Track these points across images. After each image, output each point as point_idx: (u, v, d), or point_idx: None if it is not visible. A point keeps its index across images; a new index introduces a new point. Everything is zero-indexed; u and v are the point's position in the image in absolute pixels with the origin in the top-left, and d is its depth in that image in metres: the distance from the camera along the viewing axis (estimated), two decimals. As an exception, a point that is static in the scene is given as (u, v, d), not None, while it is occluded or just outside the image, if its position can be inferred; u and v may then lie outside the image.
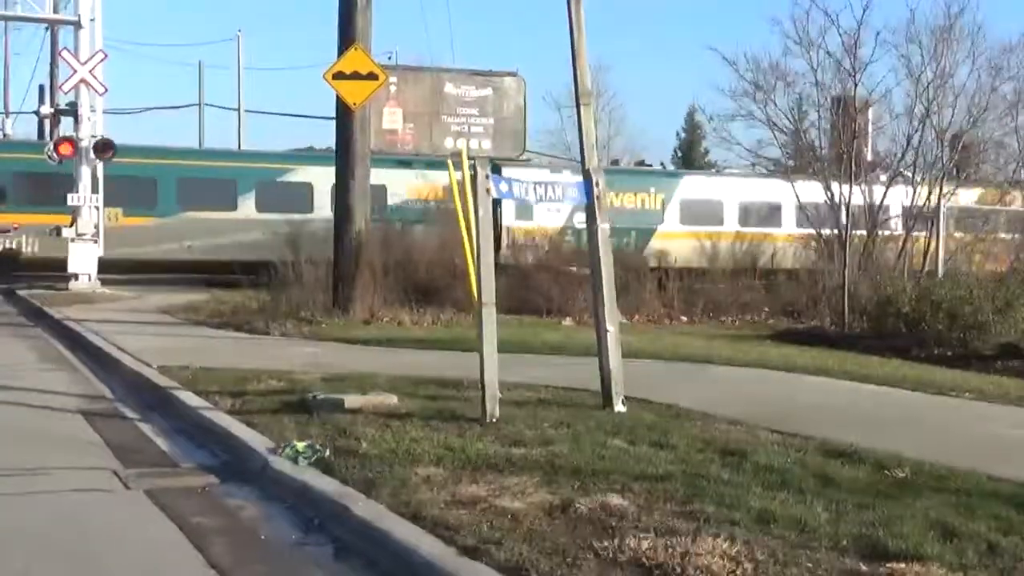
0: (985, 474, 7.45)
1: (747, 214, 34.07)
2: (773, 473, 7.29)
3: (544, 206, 30.73)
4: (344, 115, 18.57)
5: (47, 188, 28.34)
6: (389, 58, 39.20)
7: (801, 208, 28.55)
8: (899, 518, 6.19)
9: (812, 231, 27.71)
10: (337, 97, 18.03)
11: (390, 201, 31.66)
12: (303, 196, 30.95)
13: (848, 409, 10.75)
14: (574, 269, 30.33)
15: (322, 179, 30.55)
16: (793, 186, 27.67)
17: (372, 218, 29.68)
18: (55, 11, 29.60)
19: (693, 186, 34.94)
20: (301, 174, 31.72)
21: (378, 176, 31.41)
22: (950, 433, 9.64)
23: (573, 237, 29.85)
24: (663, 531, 5.83)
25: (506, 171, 22.67)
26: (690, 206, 33.85)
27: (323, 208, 30.31)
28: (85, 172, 26.57)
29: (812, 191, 26.85)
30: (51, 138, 30.16)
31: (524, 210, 30.62)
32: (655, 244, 31.87)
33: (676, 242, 31.87)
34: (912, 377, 13.46)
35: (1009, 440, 9.44)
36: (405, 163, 32.75)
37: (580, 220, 30.33)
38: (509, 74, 29.08)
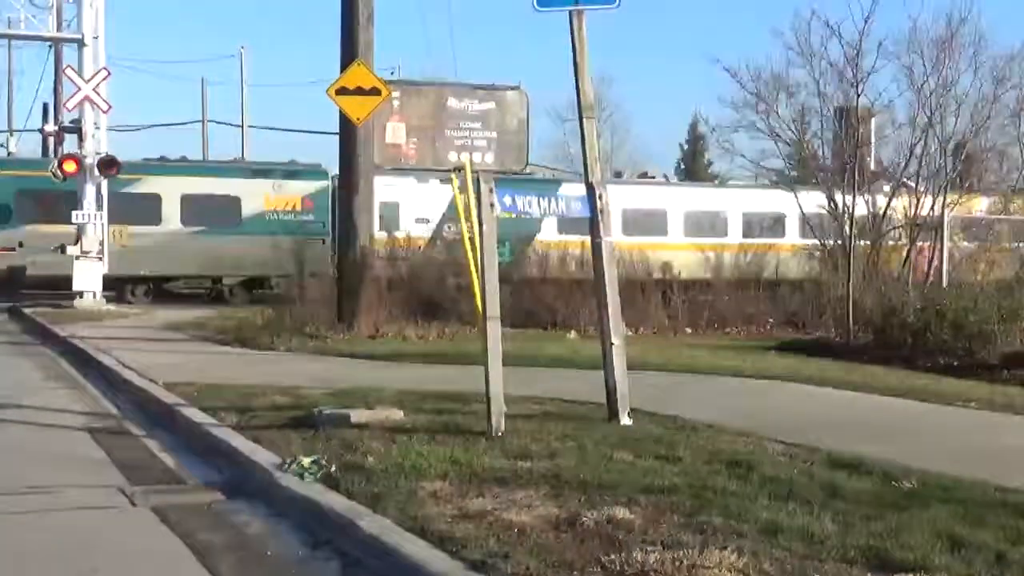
0: (993, 484, 7.43)
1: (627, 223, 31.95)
2: (780, 484, 7.27)
3: (412, 215, 30.55)
4: (347, 130, 18.60)
5: (53, 205, 28.28)
6: (392, 73, 39.37)
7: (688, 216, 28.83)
8: (907, 529, 6.18)
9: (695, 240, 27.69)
10: (340, 112, 18.07)
11: (245, 213, 31.19)
12: (151, 207, 30.30)
13: (854, 420, 10.73)
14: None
15: (170, 190, 30.78)
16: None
17: (224, 231, 29.69)
18: (59, 29, 29.70)
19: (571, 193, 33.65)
20: (149, 185, 30.76)
21: (231, 187, 31.30)
22: (957, 443, 9.62)
23: (443, 247, 29.08)
24: (670, 544, 5.82)
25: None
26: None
27: (171, 220, 30.48)
28: (90, 190, 26.64)
29: (632, 196, 29.36)
30: (55, 156, 30.25)
31: (390, 220, 29.72)
32: (534, 254, 29.94)
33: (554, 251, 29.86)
34: (918, 387, 13.43)
35: (1017, 450, 9.41)
36: (262, 172, 32.52)
37: (448, 230, 29.68)
38: (511, 88, 29.05)
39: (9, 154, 49.22)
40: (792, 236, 32.74)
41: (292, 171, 32.58)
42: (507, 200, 9.51)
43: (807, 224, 28.98)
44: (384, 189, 29.59)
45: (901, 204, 27.40)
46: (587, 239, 9.99)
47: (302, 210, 31.54)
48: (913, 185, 27.81)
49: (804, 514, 6.48)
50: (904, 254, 26.46)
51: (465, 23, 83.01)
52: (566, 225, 31.22)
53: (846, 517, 6.43)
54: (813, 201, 27.81)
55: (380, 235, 28.71)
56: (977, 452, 9.07)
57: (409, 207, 30.91)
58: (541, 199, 10.23)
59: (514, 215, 9.53)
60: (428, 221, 30.71)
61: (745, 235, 34.01)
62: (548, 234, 31.31)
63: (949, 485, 7.39)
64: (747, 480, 7.41)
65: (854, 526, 6.26)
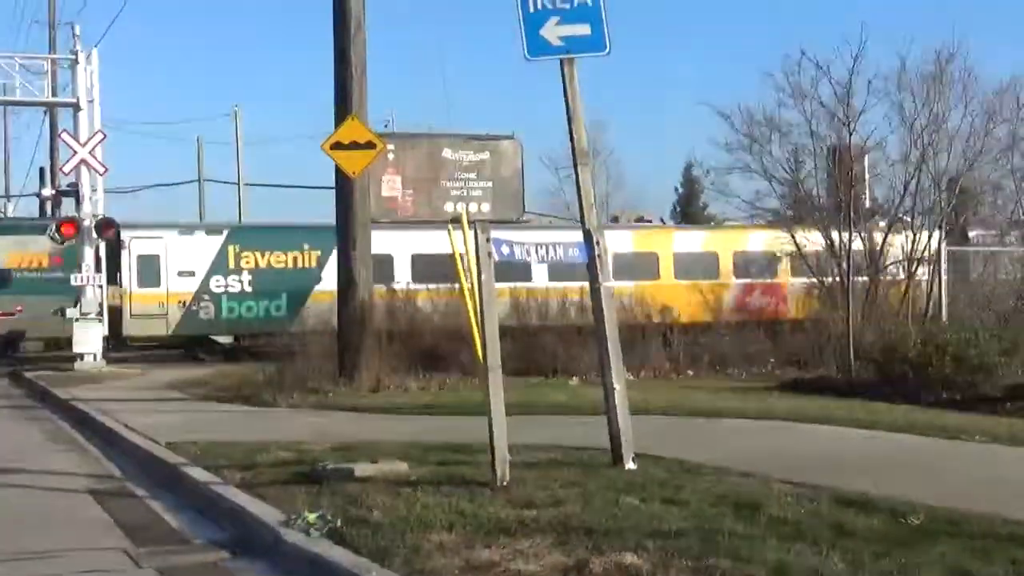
0: (1000, 517, 7.41)
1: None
2: (787, 525, 7.25)
3: (176, 268, 29.16)
4: (344, 184, 18.69)
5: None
6: (386, 125, 39.54)
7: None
8: (916, 565, 6.16)
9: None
10: (336, 167, 18.14)
11: None
12: None
13: (859, 457, 10.71)
14: (222, 339, 29.14)
15: None
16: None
17: None
18: (54, 94, 29.92)
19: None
20: None
21: None
22: (963, 477, 9.59)
23: (211, 303, 28.77)
24: (679, 588, 5.79)
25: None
26: None
27: None
28: (88, 252, 26.70)
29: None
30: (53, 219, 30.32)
31: (150, 274, 28.91)
32: (313, 307, 27.92)
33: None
34: (921, 422, 13.41)
35: (1022, 482, 9.39)
36: (10, 229, 31.12)
37: (218, 284, 29.17)
38: (506, 137, 29.10)
39: (4, 218, 49.43)
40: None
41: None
42: (505, 249, 9.55)
43: (804, 263, 29.01)
44: (142, 243, 29.14)
45: (898, 240, 27.48)
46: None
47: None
48: (909, 220, 27.90)
49: (813, 554, 6.46)
50: (903, 289, 26.48)
51: (458, 73, 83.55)
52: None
53: (855, 556, 6.40)
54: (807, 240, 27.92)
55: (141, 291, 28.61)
56: (983, 485, 9.05)
57: (173, 260, 29.43)
58: (539, 248, 10.26)
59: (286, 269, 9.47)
60: (193, 274, 29.34)
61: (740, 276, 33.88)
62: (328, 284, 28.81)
63: (957, 520, 7.37)
64: (754, 521, 7.39)
65: (864, 564, 6.24)
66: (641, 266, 31.92)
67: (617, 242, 30.92)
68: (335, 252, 29.53)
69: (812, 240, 27.62)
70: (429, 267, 29.30)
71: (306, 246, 30.34)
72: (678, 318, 28.79)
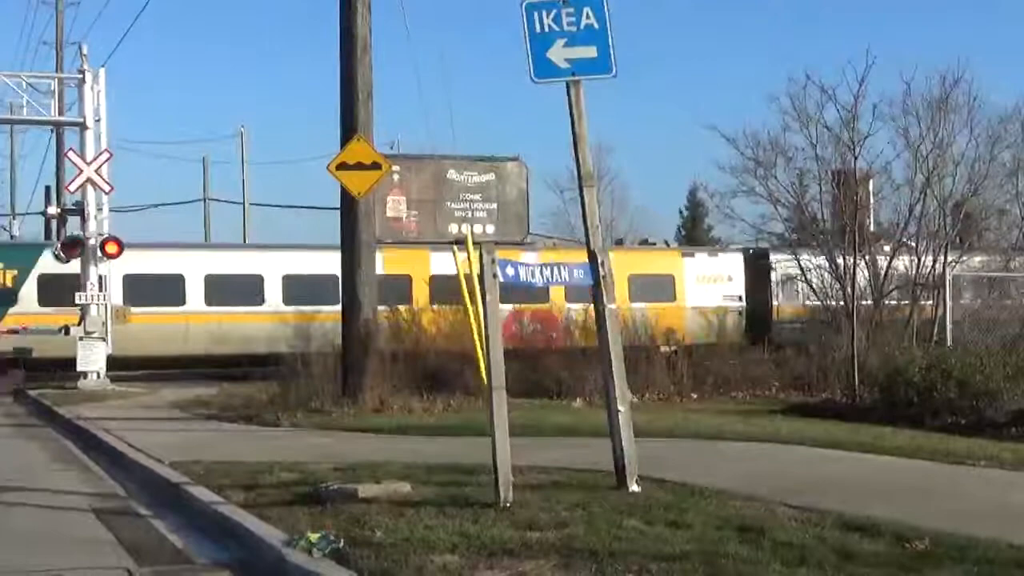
0: (1006, 542, 7.38)
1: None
2: (792, 549, 7.23)
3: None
4: (349, 205, 18.73)
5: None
6: (391, 147, 39.64)
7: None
8: (921, 591, 6.13)
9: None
10: (341, 188, 18.19)
11: None
12: None
13: (864, 481, 10.68)
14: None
15: None
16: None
17: None
18: (60, 113, 29.97)
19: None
20: None
21: None
22: (968, 502, 9.56)
23: None
24: (683, 612, 5.77)
25: None
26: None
27: None
28: (92, 271, 26.73)
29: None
30: (58, 238, 30.39)
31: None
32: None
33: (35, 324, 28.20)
34: (926, 447, 13.37)
35: (1028, 507, 9.36)
36: None
37: None
38: (511, 159, 29.16)
39: (12, 237, 49.62)
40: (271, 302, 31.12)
41: None
42: (510, 271, 9.56)
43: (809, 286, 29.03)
44: None
45: (902, 264, 27.50)
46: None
47: None
48: (913, 245, 27.91)
49: (817, 578, 6.44)
50: (908, 313, 26.48)
51: (463, 94, 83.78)
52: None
53: (860, 581, 6.38)
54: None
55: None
56: (988, 510, 9.02)
57: None
58: (544, 269, 10.26)
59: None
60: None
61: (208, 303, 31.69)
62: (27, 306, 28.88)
63: (962, 545, 7.34)
64: (759, 545, 7.36)
65: (868, 589, 6.21)
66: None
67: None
68: (34, 271, 29.48)
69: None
70: (301, 288, 29.99)
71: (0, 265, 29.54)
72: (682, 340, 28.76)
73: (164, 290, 30.19)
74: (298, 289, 30.64)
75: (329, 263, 23.52)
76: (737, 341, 29.05)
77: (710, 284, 33.57)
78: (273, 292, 30.96)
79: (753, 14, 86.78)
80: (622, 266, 30.72)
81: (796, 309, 33.09)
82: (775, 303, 33.90)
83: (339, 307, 19.87)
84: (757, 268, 34.61)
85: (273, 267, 31.11)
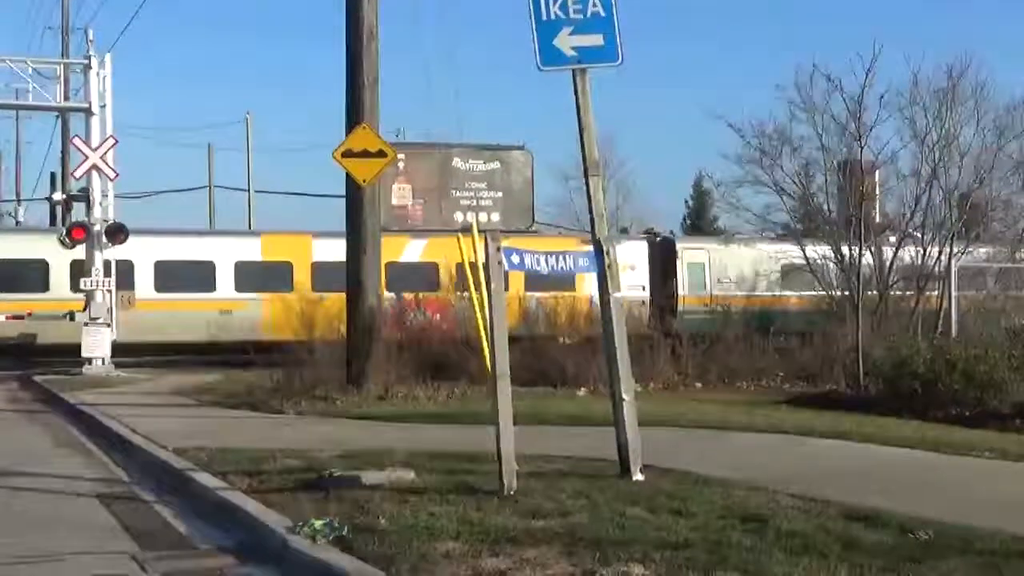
0: (1009, 534, 7.38)
1: None
2: (795, 538, 7.22)
3: None
4: (354, 193, 18.72)
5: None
6: (397, 135, 39.52)
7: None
8: (925, 581, 6.13)
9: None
10: (347, 175, 18.21)
11: None
12: None
13: (868, 472, 10.67)
14: None
15: None
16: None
17: None
18: (66, 99, 29.99)
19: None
20: None
21: None
22: (972, 493, 9.56)
23: None
24: (686, 600, 5.77)
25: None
26: None
27: None
28: (98, 257, 26.75)
29: None
30: (63, 224, 30.43)
31: None
32: None
33: None
34: (930, 438, 13.37)
35: (1032, 499, 9.35)
36: None
37: None
38: (516, 148, 29.15)
39: (17, 223, 49.69)
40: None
41: None
42: (515, 259, 9.54)
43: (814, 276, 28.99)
44: None
45: (908, 255, 27.46)
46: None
47: None
48: (919, 236, 27.88)
49: (820, 568, 6.44)
50: (912, 304, 26.45)
51: (469, 82, 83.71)
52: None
53: (863, 570, 6.38)
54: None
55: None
56: (992, 501, 9.02)
57: None
58: (549, 257, 10.25)
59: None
60: None
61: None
62: None
63: (966, 536, 7.33)
64: (762, 535, 7.36)
65: (872, 579, 6.21)
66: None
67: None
68: None
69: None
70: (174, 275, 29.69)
71: None
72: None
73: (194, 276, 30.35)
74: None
75: None
76: (639, 332, 27.69)
77: None
78: (303, 279, 30.79)
79: (760, 2, 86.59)
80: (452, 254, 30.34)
81: (703, 299, 32.84)
82: (681, 293, 33.44)
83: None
84: (663, 257, 34.05)
85: (303, 256, 31.02)
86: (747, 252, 33.47)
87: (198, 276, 30.23)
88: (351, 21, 19.20)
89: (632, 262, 32.00)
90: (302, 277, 30.46)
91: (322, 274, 29.68)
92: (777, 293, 32.93)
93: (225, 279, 30.81)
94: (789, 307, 31.86)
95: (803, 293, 31.91)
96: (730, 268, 33.89)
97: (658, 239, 34.88)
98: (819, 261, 28.64)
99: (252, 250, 31.15)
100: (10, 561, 7.69)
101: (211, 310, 29.64)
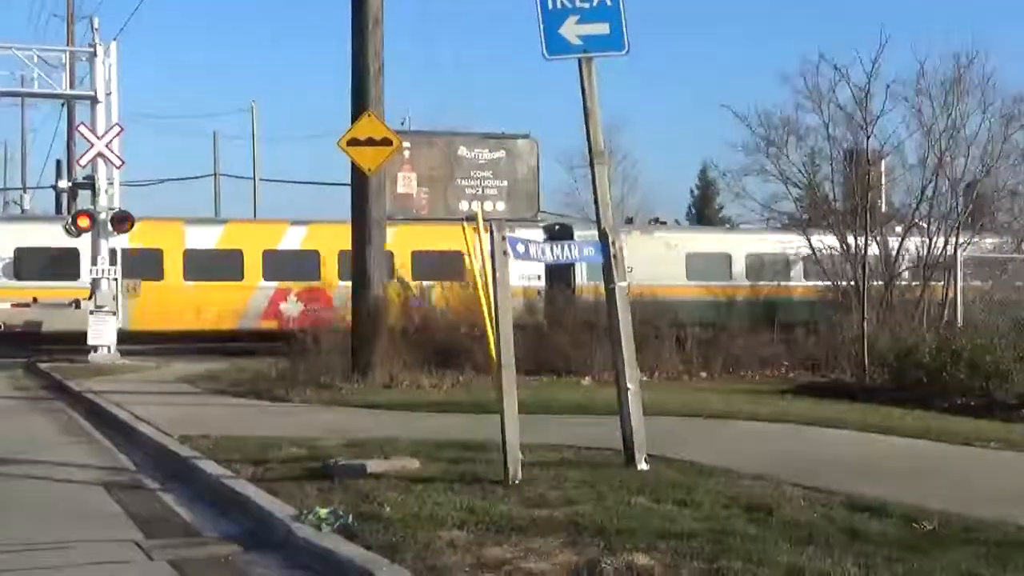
0: (1015, 524, 7.38)
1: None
2: (800, 528, 7.23)
3: None
4: (359, 181, 18.70)
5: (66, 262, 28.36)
6: (402, 123, 39.52)
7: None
8: (929, 571, 6.13)
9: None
10: (352, 163, 18.16)
11: None
12: None
13: (872, 462, 10.67)
14: None
15: None
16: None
17: None
18: (72, 87, 29.96)
19: None
20: None
21: None
22: (977, 483, 9.55)
23: None
24: (691, 590, 5.77)
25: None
26: None
27: None
28: (103, 245, 26.75)
29: None
30: (68, 212, 30.42)
31: None
32: None
33: None
34: (935, 428, 13.36)
35: (1037, 489, 9.34)
36: None
37: None
38: (522, 136, 29.04)
39: (23, 211, 49.73)
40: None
41: None
42: (520, 248, 9.54)
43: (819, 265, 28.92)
44: None
45: (913, 245, 27.41)
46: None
47: None
48: (925, 226, 27.82)
49: (825, 558, 6.44)
50: (918, 294, 26.40)
51: (474, 70, 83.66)
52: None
53: (868, 560, 6.38)
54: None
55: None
56: (997, 492, 9.01)
57: None
58: (555, 246, 10.25)
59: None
60: None
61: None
62: None
63: (970, 526, 7.34)
64: (767, 524, 7.37)
65: (876, 569, 6.21)
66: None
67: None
68: None
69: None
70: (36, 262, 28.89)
71: None
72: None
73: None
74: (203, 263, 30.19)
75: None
76: (534, 323, 25.95)
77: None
78: (174, 267, 30.35)
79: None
80: (406, 242, 29.80)
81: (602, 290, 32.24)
82: (579, 282, 31.92)
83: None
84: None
85: (176, 243, 30.33)
86: (657, 240, 32.97)
87: (63, 263, 28.96)
88: (356, 9, 19.17)
89: None
90: (173, 265, 29.83)
91: (196, 262, 29.37)
92: (684, 283, 32.12)
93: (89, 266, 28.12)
94: (691, 298, 31.08)
95: (710, 283, 31.99)
96: (636, 258, 33.37)
97: (556, 227, 34.01)
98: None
99: (120, 236, 28.91)
100: (17, 548, 7.71)
101: (73, 298, 28.39)
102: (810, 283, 31.56)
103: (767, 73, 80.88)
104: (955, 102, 27.15)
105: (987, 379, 17.21)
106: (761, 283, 32.98)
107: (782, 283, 32.63)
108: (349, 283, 26.83)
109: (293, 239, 30.75)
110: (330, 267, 30.09)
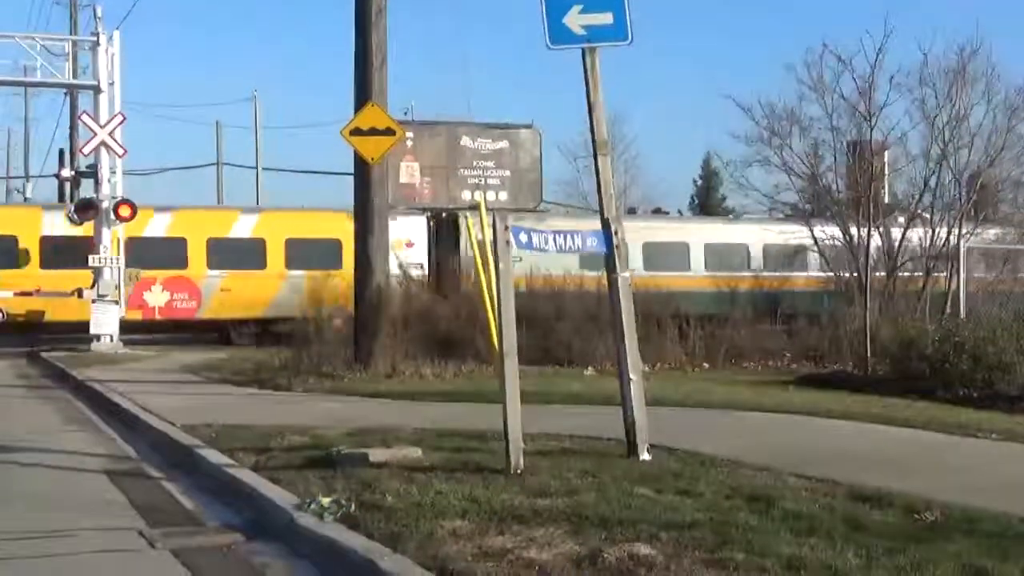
0: (1017, 516, 7.37)
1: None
2: (801, 519, 7.23)
3: None
4: (362, 171, 18.69)
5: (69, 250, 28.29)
6: (405, 114, 39.43)
7: None
8: (931, 562, 6.12)
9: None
10: (355, 153, 18.18)
11: None
12: None
13: (874, 452, 10.66)
14: None
15: None
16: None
17: None
18: (74, 76, 29.95)
19: None
20: None
21: None
22: (979, 475, 9.54)
23: None
24: (693, 580, 5.78)
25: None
26: None
27: None
28: (106, 233, 26.76)
29: None
30: (71, 201, 30.43)
31: None
32: None
33: None
34: (938, 419, 13.35)
35: (1039, 480, 9.34)
36: None
37: None
38: (525, 126, 29.00)
39: (26, 199, 49.73)
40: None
41: None
42: (523, 238, 9.52)
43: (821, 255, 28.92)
44: None
45: (916, 236, 27.39)
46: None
47: None
48: (928, 217, 27.81)
49: (827, 548, 6.44)
50: (921, 285, 26.40)
51: (477, 60, 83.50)
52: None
53: (869, 551, 6.37)
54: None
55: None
56: (1000, 483, 9.00)
57: None
58: (558, 236, 10.23)
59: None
60: None
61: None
62: None
63: (973, 517, 7.33)
64: (768, 515, 7.37)
65: (878, 560, 6.21)
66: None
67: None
68: None
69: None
70: None
71: None
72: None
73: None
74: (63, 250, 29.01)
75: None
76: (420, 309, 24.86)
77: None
78: (198, 257, 30.12)
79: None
80: (280, 229, 29.67)
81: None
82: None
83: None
84: (445, 233, 30.72)
85: (32, 229, 29.52)
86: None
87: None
88: (360, -2, 19.12)
89: (409, 237, 28.51)
90: (30, 251, 29.00)
91: (54, 249, 28.59)
92: (575, 272, 31.63)
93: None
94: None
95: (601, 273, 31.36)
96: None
97: (443, 215, 33.32)
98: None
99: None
100: (19, 536, 7.72)
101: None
102: (812, 274, 31.60)
103: (770, 65, 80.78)
104: (959, 93, 27.12)
105: (990, 371, 17.20)
106: (763, 274, 33.01)
107: (783, 274, 32.64)
108: (217, 272, 26.83)
109: (158, 226, 29.81)
110: (197, 255, 29.49)
